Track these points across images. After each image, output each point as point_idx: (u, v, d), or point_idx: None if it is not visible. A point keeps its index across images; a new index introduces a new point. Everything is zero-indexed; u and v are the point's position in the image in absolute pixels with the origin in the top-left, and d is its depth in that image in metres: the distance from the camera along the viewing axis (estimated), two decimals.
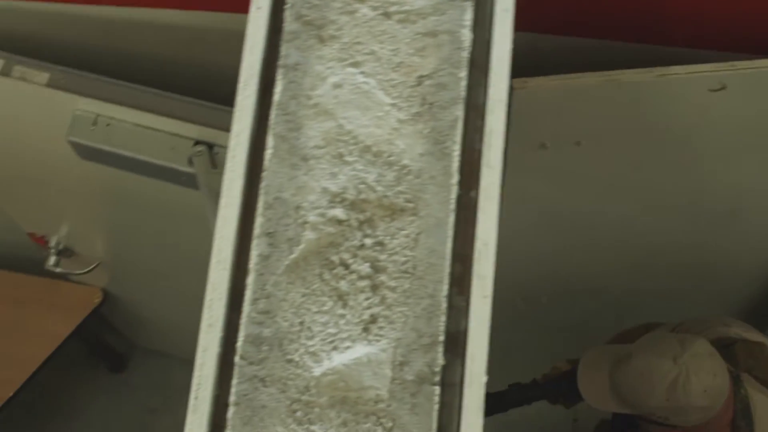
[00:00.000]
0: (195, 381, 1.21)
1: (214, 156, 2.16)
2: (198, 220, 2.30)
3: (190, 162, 2.17)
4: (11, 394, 3.47)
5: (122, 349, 4.32)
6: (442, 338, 1.22)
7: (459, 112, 1.31)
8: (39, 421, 4.20)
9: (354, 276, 1.24)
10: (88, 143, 2.25)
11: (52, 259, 3.23)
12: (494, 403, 2.58)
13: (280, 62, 1.34)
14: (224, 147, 2.17)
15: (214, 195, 2.08)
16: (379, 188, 1.27)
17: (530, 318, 3.00)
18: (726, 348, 2.36)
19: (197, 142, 2.17)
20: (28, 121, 2.39)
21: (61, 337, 3.54)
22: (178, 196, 2.37)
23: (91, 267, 3.29)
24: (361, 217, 1.27)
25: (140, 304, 3.79)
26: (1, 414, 3.48)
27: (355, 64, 1.32)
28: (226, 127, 2.18)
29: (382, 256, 1.25)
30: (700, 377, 2.12)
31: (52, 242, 3.23)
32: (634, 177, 2.43)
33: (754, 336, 2.47)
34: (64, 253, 3.26)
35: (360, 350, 1.21)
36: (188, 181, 2.22)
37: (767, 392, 2.33)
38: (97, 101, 2.21)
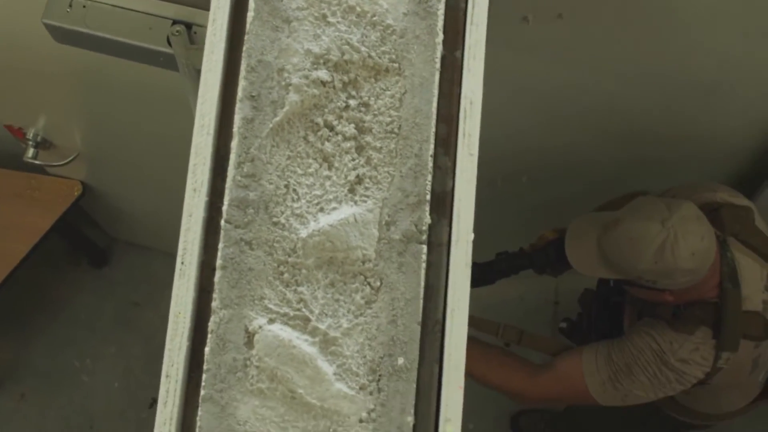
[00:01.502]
0: (181, 246, 1.21)
1: (193, 36, 2.13)
2: (178, 104, 2.27)
3: (169, 42, 2.14)
4: None
5: (103, 244, 4.32)
6: (428, 197, 1.22)
7: None
8: (22, 318, 4.22)
9: (339, 137, 1.23)
10: (63, 25, 2.20)
11: (31, 152, 3.20)
12: (482, 273, 2.59)
13: None
14: (202, 26, 2.13)
15: (194, 74, 2.06)
16: (363, 49, 1.26)
17: (511, 197, 2.99)
18: (712, 213, 2.38)
19: (175, 22, 2.13)
20: (0, 4, 2.35)
21: (42, 231, 3.52)
22: (158, 80, 2.34)
23: (69, 158, 3.26)
24: (345, 78, 1.25)
25: (121, 196, 3.78)
26: None
27: None
28: (204, 6, 2.14)
29: (367, 117, 1.24)
30: (687, 240, 2.14)
31: (30, 134, 3.19)
32: (616, 49, 2.40)
33: (740, 200, 2.49)
34: (43, 144, 3.23)
35: (346, 211, 1.20)
36: (167, 62, 2.18)
37: (753, 255, 2.36)
38: None
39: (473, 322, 2.58)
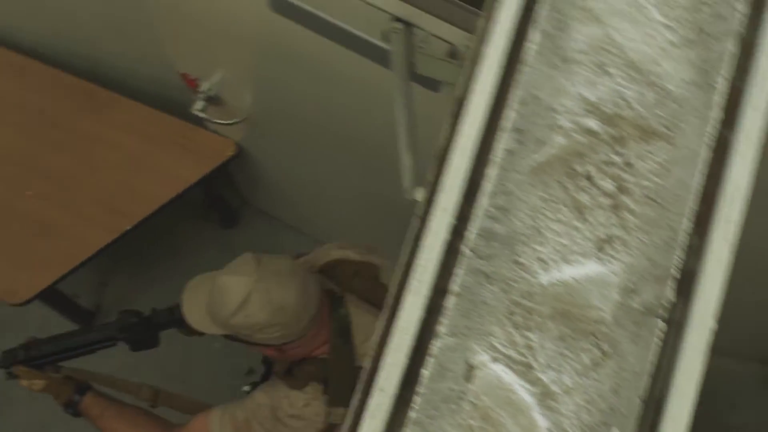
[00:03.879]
0: (420, 264, 1.19)
1: (411, 37, 2.11)
2: (364, 96, 2.27)
3: (384, 37, 2.13)
4: (128, 227, 3.50)
5: (236, 205, 4.34)
6: (675, 273, 1.18)
7: (731, 46, 1.25)
8: (145, 262, 4.28)
9: (596, 191, 1.21)
10: None
11: (200, 104, 3.22)
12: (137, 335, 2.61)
13: None
14: (424, 29, 2.11)
15: (407, 76, 2.05)
16: (637, 107, 1.23)
17: None
18: (333, 269, 2.47)
19: (396, 19, 2.12)
20: None
21: (188, 182, 3.56)
22: (355, 67, 2.34)
23: (235, 120, 3.28)
24: (614, 132, 1.23)
25: (267, 166, 3.80)
26: (114, 245, 3.51)
27: None
28: (428, 9, 2.13)
29: (629, 177, 1.21)
30: (274, 293, 2.17)
31: (204, 87, 3.21)
32: None
33: (367, 258, 2.53)
34: (213, 100, 3.25)
35: (591, 268, 1.18)
36: (377, 55, 2.19)
37: (374, 311, 2.41)
38: None
39: (112, 382, 2.64)
